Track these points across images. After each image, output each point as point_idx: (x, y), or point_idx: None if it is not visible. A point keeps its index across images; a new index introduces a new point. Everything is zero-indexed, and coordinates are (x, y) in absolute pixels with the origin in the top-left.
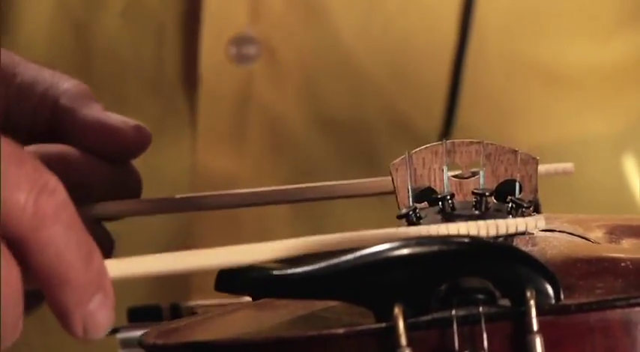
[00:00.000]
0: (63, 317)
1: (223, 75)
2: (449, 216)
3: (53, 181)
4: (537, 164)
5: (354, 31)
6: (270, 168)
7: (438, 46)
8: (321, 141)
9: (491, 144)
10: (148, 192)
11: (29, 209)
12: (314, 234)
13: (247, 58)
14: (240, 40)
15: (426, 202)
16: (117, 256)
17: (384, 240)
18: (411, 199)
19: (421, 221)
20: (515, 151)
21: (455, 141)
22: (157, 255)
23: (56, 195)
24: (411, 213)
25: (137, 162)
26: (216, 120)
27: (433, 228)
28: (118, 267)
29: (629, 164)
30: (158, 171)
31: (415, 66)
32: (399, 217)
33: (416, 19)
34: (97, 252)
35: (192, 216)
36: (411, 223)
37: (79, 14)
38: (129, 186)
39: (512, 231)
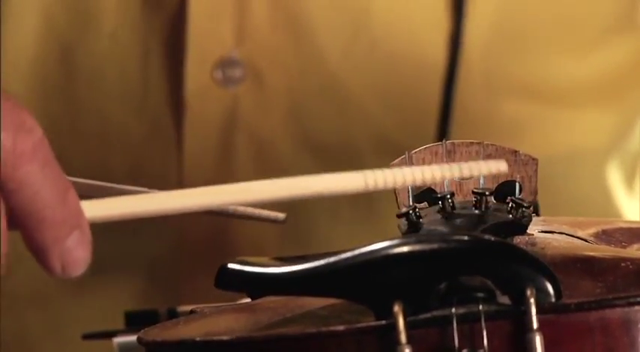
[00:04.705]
0: (41, 255)
1: (209, 98)
2: (449, 215)
3: (30, 120)
4: (537, 165)
5: (340, 53)
6: None
7: (424, 68)
8: (308, 163)
9: (492, 144)
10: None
11: (8, 147)
12: (302, 252)
13: (233, 80)
14: (226, 63)
15: (425, 202)
16: None
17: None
18: (411, 199)
19: (421, 220)
20: (516, 152)
21: (455, 141)
22: (134, 196)
23: (34, 133)
24: (410, 212)
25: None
26: (202, 144)
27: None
28: (92, 208)
29: (613, 177)
30: None
31: (402, 88)
32: (399, 216)
33: (402, 41)
34: (72, 190)
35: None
36: (410, 222)
37: (65, 35)
38: None
39: (475, 173)
